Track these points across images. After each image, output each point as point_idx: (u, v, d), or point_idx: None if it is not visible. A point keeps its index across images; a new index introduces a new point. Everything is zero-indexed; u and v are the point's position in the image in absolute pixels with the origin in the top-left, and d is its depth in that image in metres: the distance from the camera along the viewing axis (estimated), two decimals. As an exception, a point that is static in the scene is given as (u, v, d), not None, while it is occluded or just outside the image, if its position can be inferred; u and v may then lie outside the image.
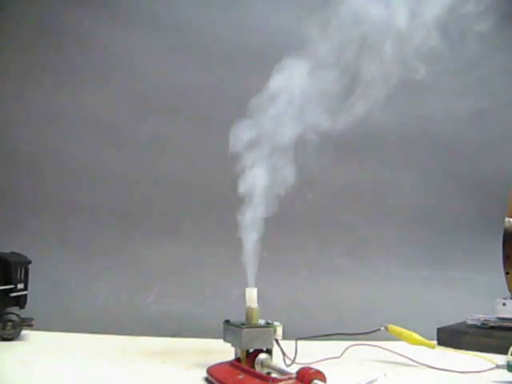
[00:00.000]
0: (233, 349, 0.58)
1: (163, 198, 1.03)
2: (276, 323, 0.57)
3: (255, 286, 0.60)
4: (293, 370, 0.49)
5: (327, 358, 0.65)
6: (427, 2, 0.69)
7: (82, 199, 1.02)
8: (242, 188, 0.62)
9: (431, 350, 0.68)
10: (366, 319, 0.75)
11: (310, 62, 0.65)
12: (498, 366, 0.59)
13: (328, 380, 0.46)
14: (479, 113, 1.13)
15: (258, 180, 0.62)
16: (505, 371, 0.57)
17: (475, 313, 0.83)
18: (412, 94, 1.09)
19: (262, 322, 0.58)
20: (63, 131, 1.04)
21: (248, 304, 0.59)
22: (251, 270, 0.61)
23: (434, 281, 1.04)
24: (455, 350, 0.67)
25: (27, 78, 1.03)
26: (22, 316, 0.78)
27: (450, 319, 0.86)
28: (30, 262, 0.83)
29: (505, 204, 0.86)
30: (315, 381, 0.45)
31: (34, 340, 0.78)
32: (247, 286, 0.60)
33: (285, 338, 0.57)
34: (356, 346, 0.68)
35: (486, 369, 0.59)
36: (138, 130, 1.05)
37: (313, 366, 0.48)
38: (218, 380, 0.54)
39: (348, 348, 0.68)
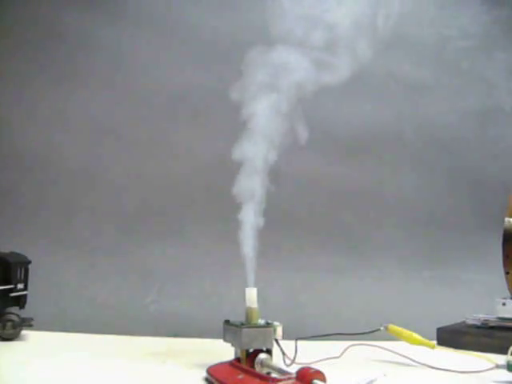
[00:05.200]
0: (233, 349, 0.58)
1: (163, 199, 1.03)
2: (276, 323, 0.57)
3: (255, 286, 0.60)
4: (293, 370, 0.49)
5: (327, 358, 0.65)
6: (428, 1, 0.69)
7: (82, 199, 1.01)
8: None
9: (431, 350, 0.68)
10: (366, 319, 0.75)
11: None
12: (498, 366, 0.59)
13: (328, 380, 0.46)
14: (479, 113, 1.13)
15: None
16: (505, 371, 0.57)
17: (475, 313, 0.83)
18: (412, 93, 1.09)
19: (261, 322, 0.58)
20: (64, 131, 1.03)
21: (248, 304, 0.59)
22: (251, 270, 0.61)
23: (434, 281, 1.04)
24: (455, 350, 0.67)
25: (28, 78, 1.03)
26: (22, 316, 0.78)
27: (449, 319, 0.86)
28: (29, 262, 0.83)
29: (505, 204, 0.86)
30: (315, 381, 0.45)
31: (34, 340, 0.78)
32: (247, 286, 0.60)
33: (285, 338, 0.57)
34: (356, 346, 0.68)
35: (485, 369, 0.59)
36: (139, 130, 1.05)
37: (313, 365, 0.48)
38: (217, 380, 0.54)
39: (348, 348, 0.68)
